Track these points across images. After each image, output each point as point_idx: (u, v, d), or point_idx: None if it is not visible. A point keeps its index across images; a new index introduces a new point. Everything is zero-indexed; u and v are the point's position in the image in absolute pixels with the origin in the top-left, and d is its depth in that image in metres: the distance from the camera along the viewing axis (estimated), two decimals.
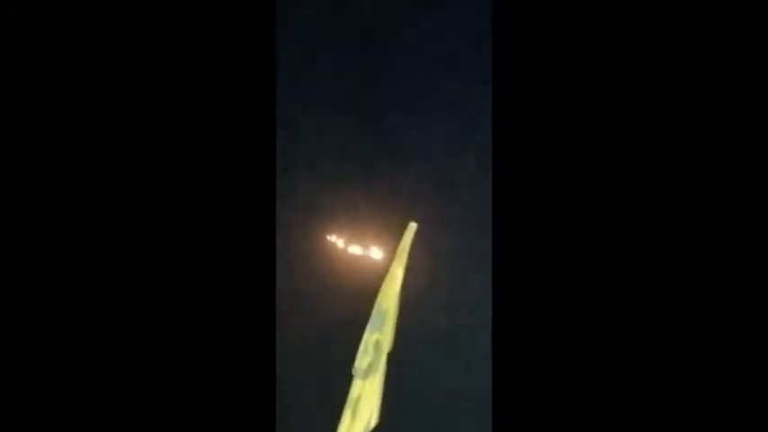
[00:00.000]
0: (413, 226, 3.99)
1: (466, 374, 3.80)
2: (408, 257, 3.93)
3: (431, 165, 3.84)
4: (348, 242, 4.00)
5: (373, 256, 4.10)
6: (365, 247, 4.07)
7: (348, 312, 3.90)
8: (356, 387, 3.78)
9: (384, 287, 3.95)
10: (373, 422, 3.77)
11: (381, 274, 3.92)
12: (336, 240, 3.99)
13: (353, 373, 3.79)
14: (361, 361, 3.83)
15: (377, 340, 3.87)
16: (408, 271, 3.91)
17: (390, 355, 3.84)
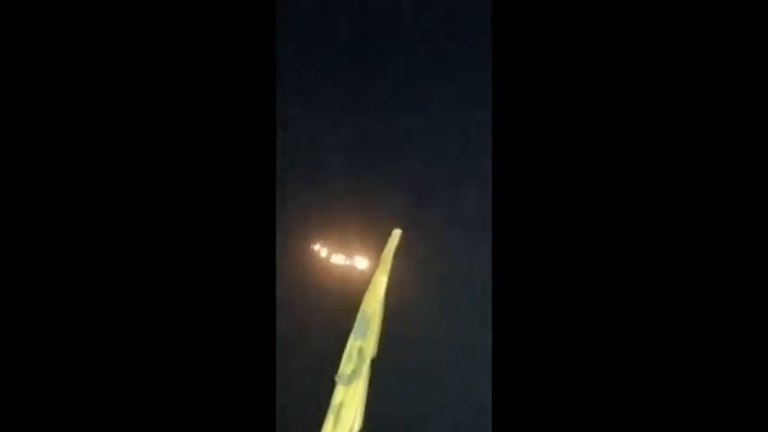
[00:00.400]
0: (397, 232, 3.99)
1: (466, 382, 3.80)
2: (392, 264, 3.94)
3: (418, 172, 3.85)
4: (333, 251, 4.00)
5: (358, 266, 4.10)
6: (350, 256, 4.07)
7: (333, 321, 3.88)
8: (339, 393, 3.76)
9: (368, 294, 3.95)
10: (356, 428, 3.74)
11: (366, 282, 3.92)
12: (321, 249, 3.99)
13: (336, 379, 3.78)
14: (345, 367, 3.82)
15: (360, 347, 3.85)
16: (392, 278, 3.91)
17: (374, 362, 3.83)
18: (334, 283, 4.06)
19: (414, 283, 3.89)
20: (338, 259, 4.10)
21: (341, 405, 3.75)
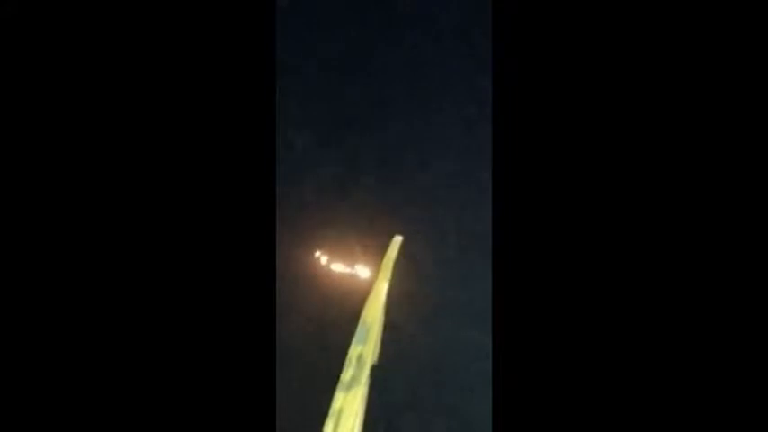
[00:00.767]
0: (398, 239, 4.00)
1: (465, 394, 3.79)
2: (393, 271, 3.94)
3: (420, 180, 3.86)
4: (334, 260, 4.00)
5: (360, 275, 4.10)
6: (351, 265, 4.08)
7: (335, 329, 3.87)
8: (338, 399, 3.75)
9: (369, 301, 3.95)
10: None
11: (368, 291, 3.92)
12: (323, 258, 4.00)
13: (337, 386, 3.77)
14: (344, 373, 3.81)
15: (360, 353, 3.85)
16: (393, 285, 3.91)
17: (374, 368, 3.83)
18: (336, 292, 4.05)
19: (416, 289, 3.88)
20: (340, 267, 4.10)
21: (340, 411, 3.73)
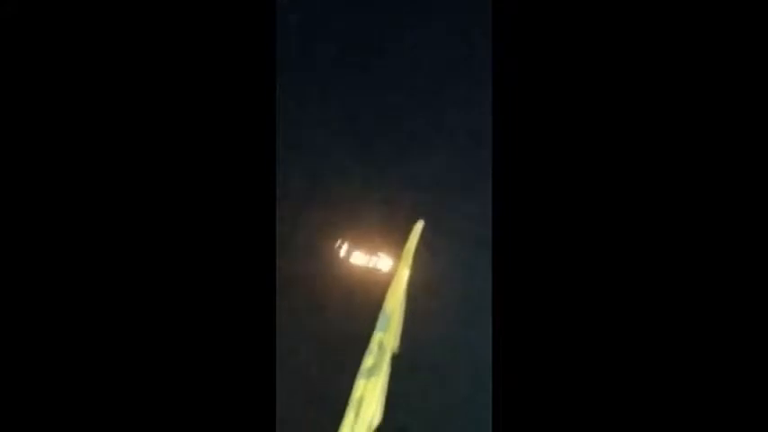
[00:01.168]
0: (419, 226, 3.98)
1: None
2: (414, 258, 3.93)
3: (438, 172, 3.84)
4: (357, 253, 4.01)
5: (381, 267, 4.10)
6: (373, 257, 4.08)
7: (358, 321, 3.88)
8: (359, 387, 3.77)
9: (390, 289, 3.96)
10: (376, 422, 3.75)
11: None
12: (344, 250, 4.00)
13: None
14: (366, 361, 3.82)
15: (380, 340, 3.86)
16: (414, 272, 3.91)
17: (395, 356, 3.83)
18: (343, 293, 4.06)
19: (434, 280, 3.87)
20: (362, 260, 4.10)
21: (361, 399, 3.75)
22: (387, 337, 3.88)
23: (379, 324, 3.90)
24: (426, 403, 3.81)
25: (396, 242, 3.93)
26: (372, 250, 3.83)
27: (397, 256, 3.96)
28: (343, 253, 3.82)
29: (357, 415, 3.71)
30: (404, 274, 3.98)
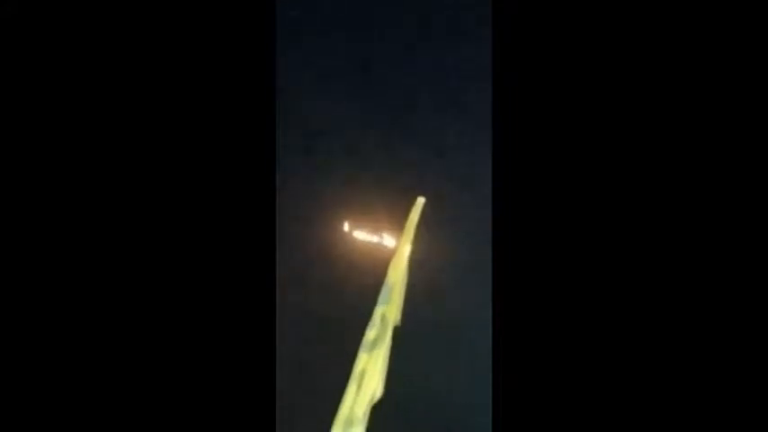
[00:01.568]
0: (420, 201, 4.00)
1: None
2: (416, 233, 3.95)
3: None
4: (362, 230, 4.02)
5: (386, 244, 4.12)
6: (378, 234, 4.09)
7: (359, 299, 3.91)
8: (361, 360, 3.81)
9: (392, 263, 3.98)
10: (378, 394, 3.79)
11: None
12: (350, 229, 4.01)
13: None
14: (368, 334, 3.86)
15: (383, 313, 3.89)
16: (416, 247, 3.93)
17: (397, 329, 3.86)
18: (347, 270, 4.08)
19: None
20: (368, 237, 4.11)
21: (363, 372, 3.79)
22: (389, 310, 3.91)
23: (381, 297, 3.93)
24: (428, 381, 3.85)
25: (398, 219, 3.93)
26: (376, 227, 3.83)
27: (400, 232, 3.97)
28: (346, 228, 3.82)
29: (359, 388, 3.76)
30: (405, 249, 4.01)
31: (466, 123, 3.61)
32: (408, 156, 3.81)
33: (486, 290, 2.74)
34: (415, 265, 3.94)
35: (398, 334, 3.87)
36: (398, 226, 3.98)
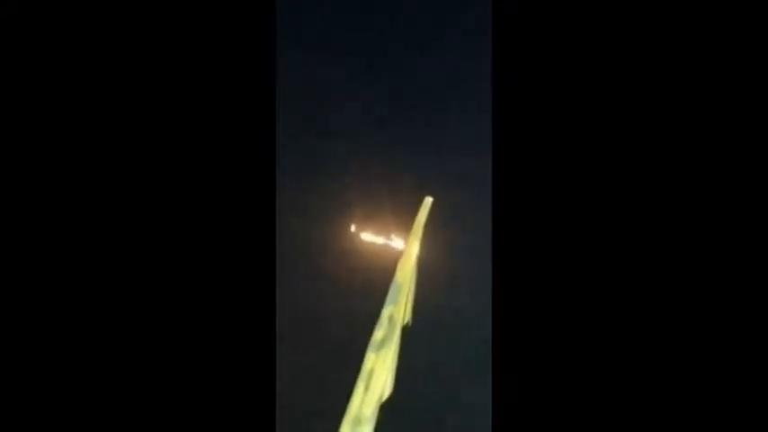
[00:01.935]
0: (428, 201, 3.99)
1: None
2: (423, 233, 3.94)
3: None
4: (370, 232, 4.01)
5: (394, 245, 4.12)
6: (386, 235, 4.09)
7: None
8: (369, 360, 3.80)
9: (400, 262, 3.98)
10: (386, 394, 3.79)
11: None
12: (358, 231, 4.01)
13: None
14: (376, 334, 3.85)
15: (391, 313, 3.89)
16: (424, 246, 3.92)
17: (405, 329, 3.85)
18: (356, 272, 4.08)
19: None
20: (376, 239, 4.11)
21: (371, 372, 3.78)
22: (397, 310, 3.90)
23: (390, 297, 3.92)
24: (435, 380, 3.84)
25: (406, 220, 3.92)
26: (384, 228, 3.83)
27: (408, 233, 3.97)
28: (353, 229, 3.82)
29: (367, 388, 3.75)
30: (414, 249, 4.00)
31: (466, 123, 3.59)
32: (409, 156, 3.80)
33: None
34: (422, 264, 3.92)
35: (407, 333, 3.85)
36: (405, 227, 3.97)
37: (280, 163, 2.82)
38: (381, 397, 3.79)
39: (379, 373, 3.79)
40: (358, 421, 3.68)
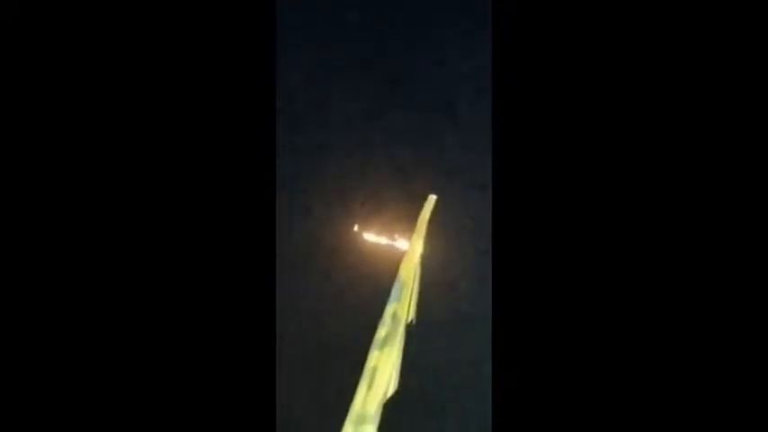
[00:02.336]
0: (432, 198, 3.99)
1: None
2: (427, 231, 3.95)
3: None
4: (374, 232, 4.02)
5: (397, 243, 4.12)
6: (389, 234, 4.09)
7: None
8: (373, 358, 3.80)
9: (404, 260, 3.98)
10: (390, 392, 3.78)
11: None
12: (362, 231, 4.01)
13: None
14: (379, 332, 3.85)
15: (394, 311, 3.89)
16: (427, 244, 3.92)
17: (409, 326, 3.85)
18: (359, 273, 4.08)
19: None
20: (381, 239, 4.12)
21: (375, 369, 3.78)
22: (400, 308, 3.90)
23: (393, 295, 3.92)
24: (441, 372, 3.84)
25: (410, 218, 3.92)
26: (386, 227, 3.83)
27: (410, 232, 3.97)
28: (356, 228, 3.82)
29: (370, 386, 3.75)
30: (418, 246, 4.00)
31: (466, 123, 3.59)
32: (409, 156, 3.80)
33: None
34: (425, 262, 3.93)
35: (411, 331, 3.85)
36: (408, 225, 3.97)
37: (280, 163, 2.81)
38: (386, 394, 3.78)
39: (382, 371, 3.79)
40: (362, 419, 3.68)
